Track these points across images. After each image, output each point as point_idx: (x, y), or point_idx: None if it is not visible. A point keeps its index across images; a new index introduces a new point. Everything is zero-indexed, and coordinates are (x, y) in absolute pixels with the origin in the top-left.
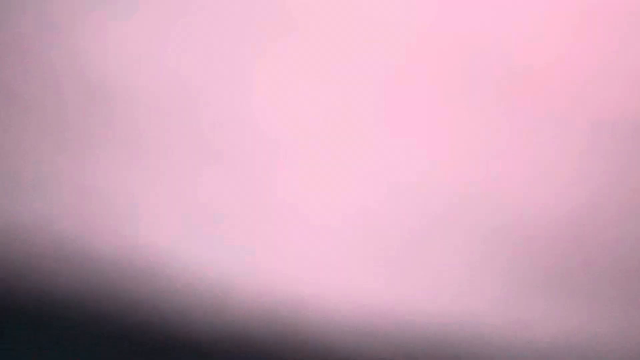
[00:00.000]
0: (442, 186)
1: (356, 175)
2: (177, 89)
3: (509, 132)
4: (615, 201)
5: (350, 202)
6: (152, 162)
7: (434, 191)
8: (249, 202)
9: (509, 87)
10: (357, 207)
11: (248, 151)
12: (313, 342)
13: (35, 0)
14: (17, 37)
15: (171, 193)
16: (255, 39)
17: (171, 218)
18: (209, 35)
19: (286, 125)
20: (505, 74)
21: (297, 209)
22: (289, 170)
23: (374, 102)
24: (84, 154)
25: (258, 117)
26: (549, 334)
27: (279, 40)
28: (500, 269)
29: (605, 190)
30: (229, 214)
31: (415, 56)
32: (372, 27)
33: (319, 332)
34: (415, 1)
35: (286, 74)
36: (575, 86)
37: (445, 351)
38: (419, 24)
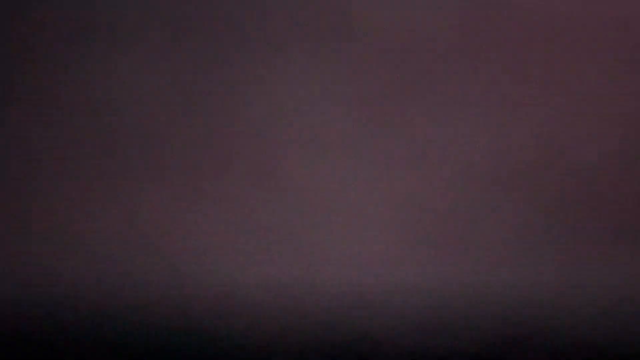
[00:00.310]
0: (475, 154)
1: (386, 154)
2: (188, 107)
3: (531, 84)
4: None
5: (383, 183)
6: (174, 180)
7: (467, 161)
8: (279, 208)
9: (523, 34)
10: (392, 190)
11: (271, 156)
12: (370, 338)
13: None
14: (24, 79)
15: (201, 211)
16: (251, 57)
17: (205, 236)
18: (217, 47)
19: (306, 123)
20: (518, 19)
21: (331, 205)
22: (316, 169)
23: (394, 73)
24: (102, 186)
25: (276, 113)
26: (601, 295)
27: (278, 37)
28: (545, 234)
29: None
30: (266, 222)
31: (425, 24)
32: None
33: (376, 328)
34: None
35: (295, 70)
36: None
37: (503, 329)
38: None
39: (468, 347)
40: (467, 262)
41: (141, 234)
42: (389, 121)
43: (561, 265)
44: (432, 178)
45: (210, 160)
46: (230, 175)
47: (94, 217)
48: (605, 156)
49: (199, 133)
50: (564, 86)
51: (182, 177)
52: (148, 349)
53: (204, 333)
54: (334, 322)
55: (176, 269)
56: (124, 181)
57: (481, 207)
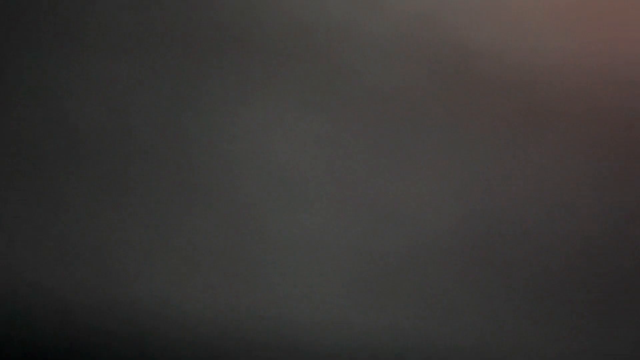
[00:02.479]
0: (438, 215)
1: (352, 208)
2: (160, 133)
3: (507, 150)
4: (624, 215)
5: (352, 238)
6: (141, 208)
7: (430, 221)
8: (241, 242)
9: (511, 106)
10: (360, 243)
11: (236, 192)
12: None
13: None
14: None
15: (161, 239)
16: (238, 78)
17: (162, 265)
18: (196, 77)
19: (275, 163)
20: (509, 90)
21: (292, 246)
22: (281, 207)
23: (366, 130)
24: (67, 206)
25: (244, 157)
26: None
27: (260, 76)
28: (507, 301)
29: (616, 207)
30: (219, 257)
31: (406, 77)
32: (364, 53)
33: None
34: (402, 16)
35: (274, 110)
36: (571, 90)
37: None
38: (408, 42)
39: None
40: (415, 316)
41: (98, 256)
42: (356, 173)
43: (513, 330)
44: (390, 233)
45: (174, 189)
46: (190, 202)
47: (53, 234)
48: (559, 237)
49: (169, 160)
50: (539, 155)
51: (137, 195)
52: None
53: (148, 354)
54: (271, 357)
55: (134, 295)
56: (83, 197)
57: (441, 267)
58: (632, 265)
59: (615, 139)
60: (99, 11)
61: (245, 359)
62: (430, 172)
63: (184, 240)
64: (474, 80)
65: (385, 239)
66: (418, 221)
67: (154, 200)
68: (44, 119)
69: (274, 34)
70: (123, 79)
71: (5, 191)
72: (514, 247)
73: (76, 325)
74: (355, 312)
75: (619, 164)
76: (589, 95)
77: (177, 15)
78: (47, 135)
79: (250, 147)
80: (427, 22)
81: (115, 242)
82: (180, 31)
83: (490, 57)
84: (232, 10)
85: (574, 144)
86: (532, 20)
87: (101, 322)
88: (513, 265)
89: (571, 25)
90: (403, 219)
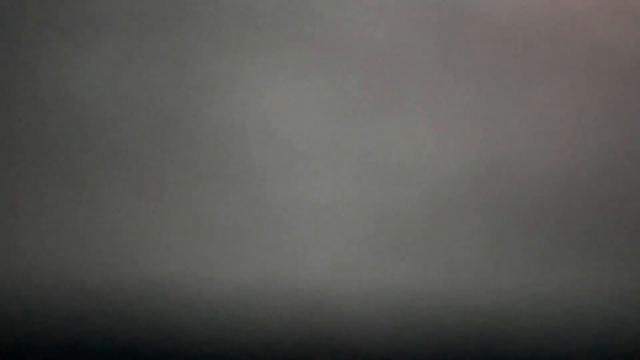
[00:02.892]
0: (447, 166)
1: (362, 167)
2: (164, 109)
3: (506, 96)
4: (624, 151)
5: (359, 195)
6: (150, 185)
7: (440, 172)
8: (253, 213)
9: (499, 45)
10: (367, 199)
11: (247, 163)
12: (341, 343)
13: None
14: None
15: (175, 214)
16: (237, 48)
17: (179, 240)
18: (196, 52)
19: (282, 132)
20: (494, 30)
21: (304, 212)
22: (290, 175)
23: (367, 91)
24: (80, 188)
25: (250, 126)
26: (565, 299)
27: (259, 43)
28: (516, 239)
29: (609, 136)
30: (236, 228)
31: (402, 33)
32: (355, 15)
33: (345, 332)
34: None
35: (274, 76)
36: (566, 32)
37: (470, 333)
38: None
39: (434, 351)
40: (432, 269)
41: (106, 234)
42: (361, 131)
43: (525, 272)
44: (402, 189)
45: (183, 162)
46: (203, 177)
47: (61, 216)
48: (558, 167)
49: (172, 134)
50: (538, 101)
51: (151, 176)
52: (109, 349)
53: (171, 332)
54: (299, 323)
55: (143, 270)
56: (89, 179)
57: (449, 213)
58: (630, 195)
59: (612, 77)
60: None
61: (269, 324)
62: (433, 123)
63: (197, 215)
64: (471, 30)
65: (397, 193)
66: (427, 172)
67: (163, 175)
68: (45, 103)
69: (270, 2)
70: (133, 58)
71: (17, 179)
72: (522, 190)
73: (87, 304)
74: (375, 269)
75: (618, 102)
76: (584, 36)
77: None
78: (58, 121)
79: (254, 117)
80: None
81: (127, 219)
82: (187, 10)
83: (484, 7)
84: None
85: (571, 85)
86: None
87: (114, 297)
88: (522, 207)
89: None
90: (411, 172)
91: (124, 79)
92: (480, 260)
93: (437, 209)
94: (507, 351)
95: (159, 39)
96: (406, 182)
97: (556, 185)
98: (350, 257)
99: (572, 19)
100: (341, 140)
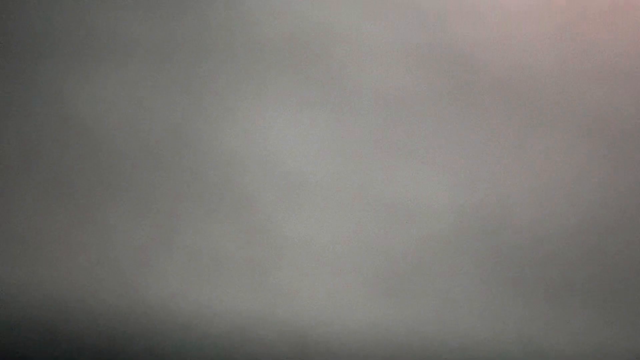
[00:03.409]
0: (446, 209)
1: (361, 205)
2: (168, 135)
3: (506, 145)
4: (621, 205)
5: (356, 232)
6: (155, 212)
7: (438, 215)
8: (253, 244)
9: (502, 96)
10: (365, 237)
11: (249, 194)
12: None
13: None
14: (9, 94)
15: (175, 242)
16: (246, 82)
17: (177, 267)
18: (204, 85)
19: (286, 166)
20: (497, 82)
21: (302, 246)
22: (291, 209)
23: (370, 131)
24: (84, 210)
25: (255, 158)
26: (562, 349)
27: (267, 78)
28: (509, 288)
29: (610, 194)
30: (234, 258)
31: (407, 78)
32: (363, 55)
33: None
34: (402, 22)
35: (280, 111)
36: (569, 91)
37: None
38: (405, 44)
39: None
40: (427, 310)
41: (103, 259)
42: (363, 171)
43: (522, 319)
44: (401, 229)
45: (183, 190)
46: (202, 206)
47: (67, 237)
48: (563, 225)
49: (174, 162)
50: (529, 147)
51: (151, 202)
52: None
53: (161, 358)
54: (289, 357)
55: (137, 297)
56: (88, 203)
57: (446, 260)
58: (635, 252)
59: (612, 132)
60: (111, 22)
61: (260, 357)
62: (433, 166)
63: (197, 244)
64: (474, 80)
65: (396, 235)
66: (427, 216)
67: (166, 203)
68: (60, 123)
69: (281, 40)
70: (135, 85)
71: (21, 194)
72: (520, 237)
73: (90, 326)
74: (368, 306)
75: (617, 156)
76: (585, 93)
77: (188, 23)
78: (63, 139)
79: (259, 150)
80: (425, 27)
81: (125, 244)
82: (191, 39)
83: (489, 59)
84: (241, 18)
85: (573, 139)
86: (529, 23)
87: (112, 323)
88: (519, 255)
89: (565, 27)
90: (412, 215)
91: (129, 105)
92: (475, 303)
93: (434, 251)
94: None
95: (167, 68)
96: (404, 222)
97: (554, 235)
98: (345, 294)
99: (573, 79)
100: (341, 177)
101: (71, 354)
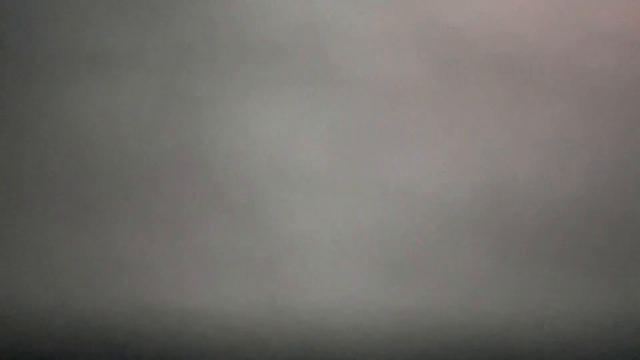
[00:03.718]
0: (447, 190)
1: (364, 195)
2: (170, 141)
3: (505, 122)
4: (621, 174)
5: (365, 222)
6: (156, 218)
7: (440, 196)
8: (259, 240)
9: (500, 76)
10: (373, 226)
11: (251, 190)
12: None
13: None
14: (12, 112)
15: (182, 241)
16: (242, 81)
17: (185, 265)
18: (202, 86)
19: (288, 158)
20: (489, 60)
21: (307, 239)
22: (294, 203)
23: (370, 121)
24: (86, 221)
25: (255, 155)
26: (566, 315)
27: (263, 77)
28: (512, 260)
29: (610, 163)
30: (241, 255)
31: (398, 65)
32: (360, 46)
33: (345, 355)
34: (390, 10)
35: (278, 108)
36: (561, 60)
37: (475, 356)
38: (393, 31)
39: None
40: (436, 294)
41: (119, 263)
42: (364, 160)
43: (526, 289)
44: (403, 214)
45: (189, 192)
46: (208, 207)
47: (73, 241)
48: (564, 194)
49: (179, 165)
50: (536, 130)
51: (157, 206)
52: None
53: (174, 358)
54: (302, 350)
55: (147, 298)
56: (104, 210)
57: (450, 242)
58: (633, 217)
59: (609, 98)
60: (111, 36)
61: (272, 351)
62: (434, 150)
63: (203, 242)
64: (465, 58)
65: (398, 220)
66: (430, 198)
67: (170, 204)
68: (64, 134)
69: (273, 36)
70: (136, 94)
71: (27, 203)
72: (524, 213)
73: (102, 328)
74: (377, 293)
75: (615, 122)
76: (578, 61)
77: (183, 28)
78: (68, 147)
79: (259, 147)
80: (412, 11)
81: (136, 248)
82: (186, 44)
83: (477, 35)
84: (234, 17)
85: (569, 107)
86: (518, 9)
87: (120, 324)
88: (525, 230)
89: (553, 10)
90: (415, 198)
91: (131, 113)
92: (483, 283)
93: (440, 234)
94: None
95: (167, 76)
96: (407, 208)
97: (558, 208)
98: (353, 284)
99: (564, 48)
100: (341, 167)
101: (82, 356)
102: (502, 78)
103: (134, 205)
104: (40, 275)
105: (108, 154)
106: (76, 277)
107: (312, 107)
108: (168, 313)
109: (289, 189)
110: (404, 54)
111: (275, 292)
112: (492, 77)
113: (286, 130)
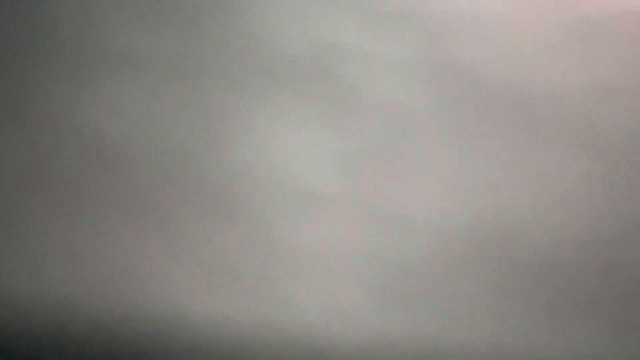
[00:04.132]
0: (450, 223)
1: (367, 218)
2: (179, 149)
3: (512, 160)
4: (620, 218)
5: (362, 245)
6: (161, 223)
7: (443, 228)
8: (261, 255)
9: (506, 113)
10: (374, 250)
11: (257, 206)
12: None
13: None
14: (20, 106)
15: (185, 253)
16: (254, 97)
17: (187, 277)
18: (216, 98)
19: (291, 176)
20: (500, 101)
21: (309, 258)
22: (299, 222)
23: (377, 145)
24: (95, 220)
25: (263, 172)
26: (564, 359)
27: (275, 94)
28: (510, 298)
29: (612, 205)
30: (243, 269)
31: (412, 94)
32: (372, 72)
33: None
34: (408, 39)
35: (288, 126)
36: (569, 107)
37: None
38: (410, 61)
39: None
40: (432, 322)
41: (111, 269)
42: (368, 183)
43: (524, 330)
44: (402, 240)
45: (192, 202)
46: (211, 217)
47: (77, 246)
48: (565, 231)
49: (184, 174)
50: (536, 163)
51: (160, 213)
52: None
53: None
54: None
55: (144, 306)
56: (107, 210)
57: (454, 269)
58: (634, 263)
59: (611, 146)
60: (123, 37)
61: None
62: (440, 180)
63: (207, 255)
64: (477, 96)
65: (399, 245)
66: (429, 226)
67: (176, 214)
68: (72, 135)
69: (289, 57)
70: (146, 99)
71: (33, 204)
72: (521, 246)
73: (96, 333)
74: (373, 318)
75: (617, 169)
76: (585, 109)
77: (200, 40)
78: (75, 151)
79: (267, 164)
80: (429, 44)
81: (135, 253)
82: (202, 55)
83: (491, 76)
84: (251, 35)
85: (573, 153)
86: (530, 42)
87: (122, 331)
88: (525, 268)
89: (565, 44)
90: (415, 225)
91: (140, 118)
92: (481, 316)
93: (440, 262)
94: None
95: (178, 83)
96: (409, 235)
97: (560, 249)
98: (350, 306)
99: (574, 95)
100: (348, 190)
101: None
102: (509, 118)
103: (134, 208)
104: (40, 274)
105: (113, 156)
106: (76, 277)
107: (322, 128)
108: (164, 320)
109: (291, 207)
110: (418, 84)
111: (273, 307)
112: (502, 115)
113: (294, 148)
